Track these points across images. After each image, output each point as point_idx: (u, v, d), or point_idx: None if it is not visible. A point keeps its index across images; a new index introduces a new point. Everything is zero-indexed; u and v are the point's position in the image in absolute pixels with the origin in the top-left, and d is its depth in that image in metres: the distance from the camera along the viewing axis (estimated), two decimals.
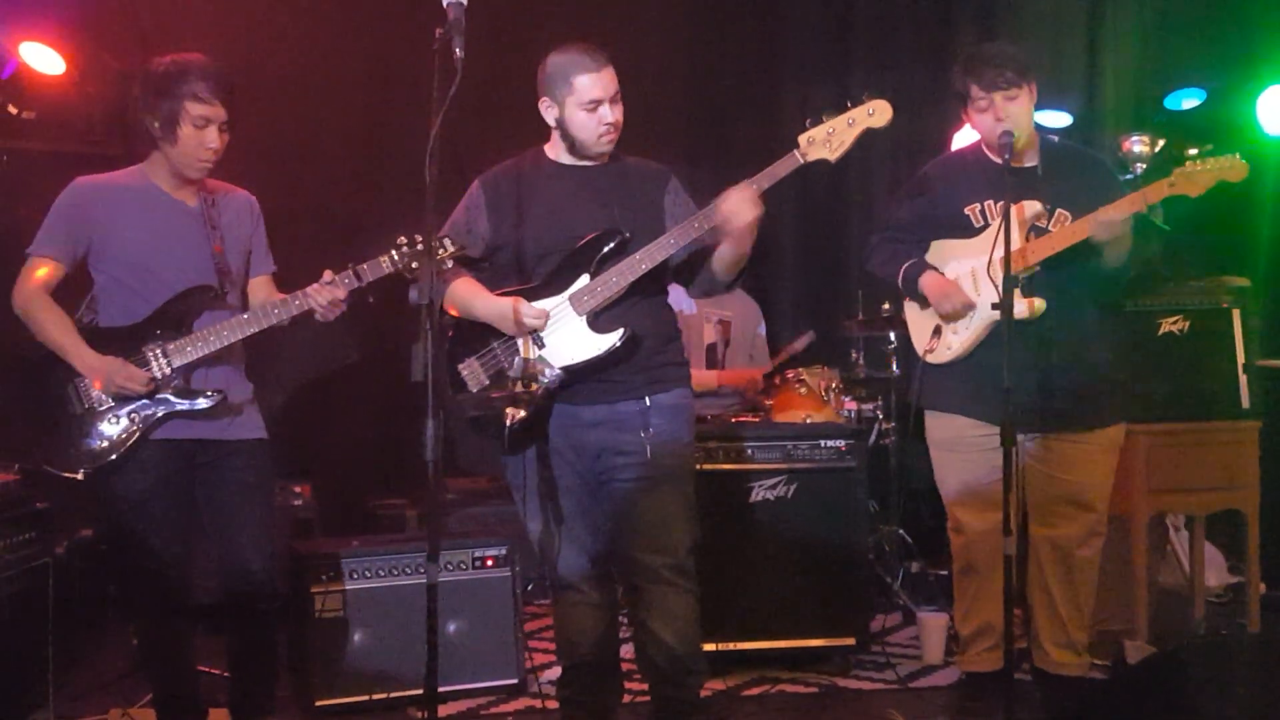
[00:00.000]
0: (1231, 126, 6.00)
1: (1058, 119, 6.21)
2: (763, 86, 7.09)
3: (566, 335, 3.70)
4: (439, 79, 3.12)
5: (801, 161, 3.65)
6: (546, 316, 3.68)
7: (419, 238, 3.60)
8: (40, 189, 4.12)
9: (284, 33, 5.93)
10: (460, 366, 3.80)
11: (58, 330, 3.70)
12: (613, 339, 3.68)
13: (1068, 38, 6.70)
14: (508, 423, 3.67)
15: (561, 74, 3.69)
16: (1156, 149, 5.81)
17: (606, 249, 3.69)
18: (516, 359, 3.70)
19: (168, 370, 3.69)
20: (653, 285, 3.78)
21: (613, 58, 3.79)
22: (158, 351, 3.69)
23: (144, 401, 3.69)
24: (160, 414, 3.70)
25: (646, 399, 3.72)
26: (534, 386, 3.68)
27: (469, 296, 3.77)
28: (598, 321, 3.70)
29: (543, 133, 3.83)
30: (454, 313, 3.81)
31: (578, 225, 3.73)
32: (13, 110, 5.35)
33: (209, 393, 3.72)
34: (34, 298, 3.72)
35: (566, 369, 3.69)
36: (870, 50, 7.05)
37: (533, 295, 3.72)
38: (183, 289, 3.73)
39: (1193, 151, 5.86)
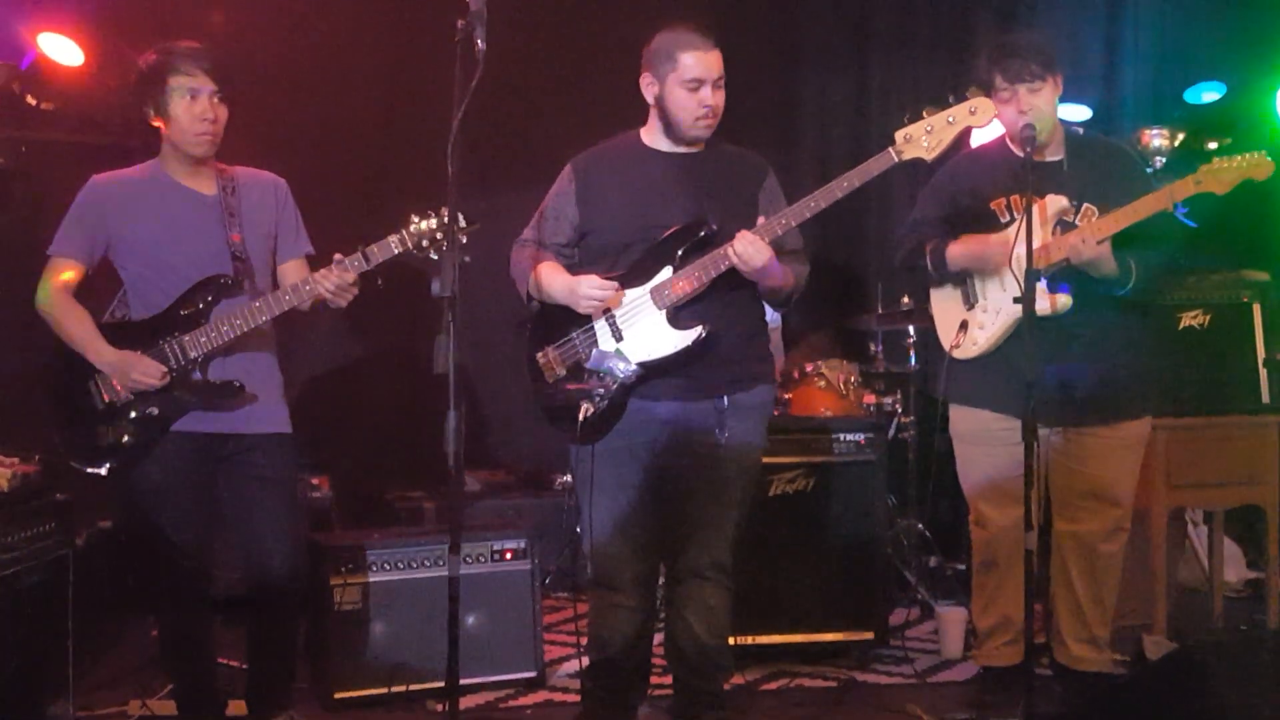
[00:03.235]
0: (1251, 120, 5.99)
1: (1077, 112, 6.18)
2: (780, 79, 7.06)
3: (646, 329, 3.68)
4: (461, 71, 3.10)
5: (896, 160, 3.62)
6: (613, 290, 3.64)
7: (430, 213, 3.58)
8: (59, 180, 4.13)
9: (304, 22, 5.93)
10: (538, 355, 3.79)
11: (77, 328, 3.74)
12: (691, 336, 3.65)
13: (1088, 30, 6.68)
14: (581, 416, 3.66)
15: (668, 50, 3.66)
16: (1176, 143, 5.81)
17: (691, 242, 3.66)
18: (594, 351, 3.69)
19: (184, 362, 3.70)
20: (741, 280, 3.71)
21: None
22: (174, 344, 3.70)
23: (163, 394, 3.69)
24: (179, 406, 3.71)
25: (725, 398, 3.70)
26: (609, 380, 3.67)
27: (544, 276, 3.76)
28: (678, 316, 3.67)
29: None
30: (539, 295, 3.79)
31: (666, 214, 3.70)
32: (31, 101, 5.34)
33: (221, 383, 3.73)
34: (55, 297, 3.76)
35: (644, 364, 3.67)
36: (889, 43, 7.02)
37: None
38: (198, 280, 3.74)
39: (1213, 145, 5.86)
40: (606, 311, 3.69)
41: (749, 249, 3.57)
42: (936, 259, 4.23)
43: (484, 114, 3.18)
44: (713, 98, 3.68)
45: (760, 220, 3.63)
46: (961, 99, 3.62)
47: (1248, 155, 3.86)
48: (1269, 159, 3.83)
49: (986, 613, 4.34)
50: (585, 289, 3.66)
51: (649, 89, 3.73)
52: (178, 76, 3.69)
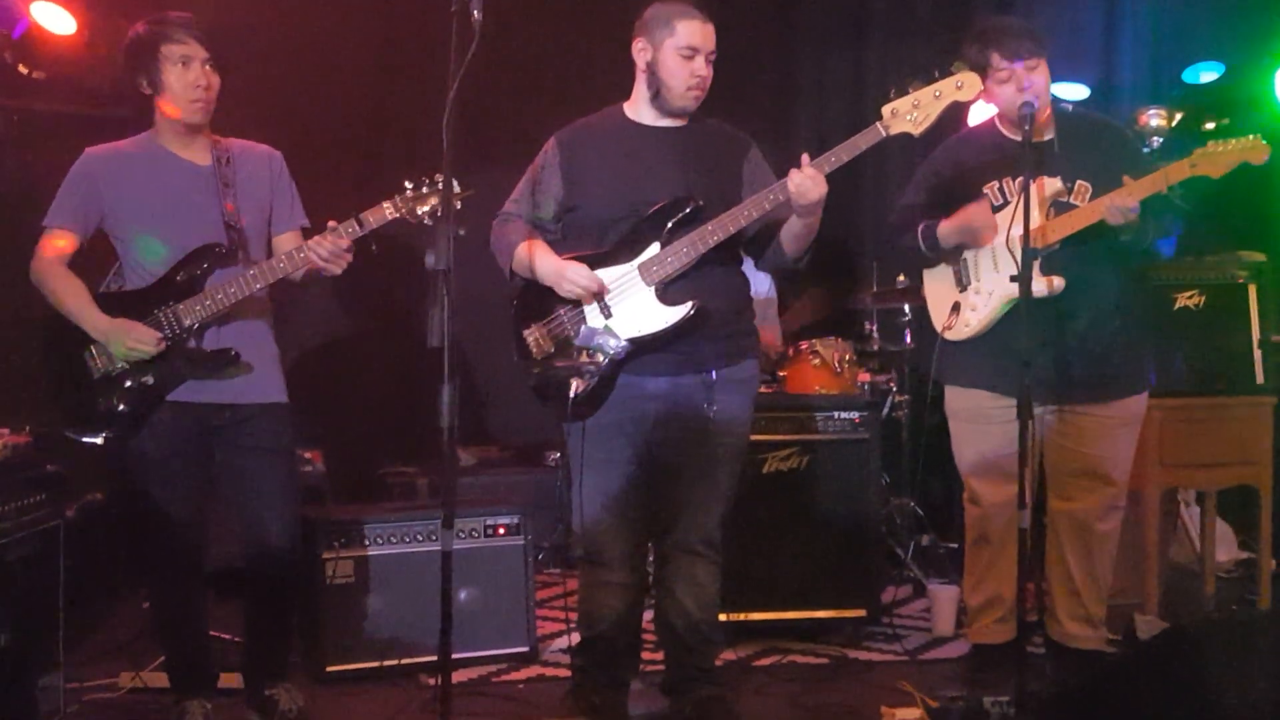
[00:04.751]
0: (1249, 101, 5.97)
1: (1075, 91, 6.17)
2: (778, 60, 7.05)
3: (635, 305, 3.66)
4: (457, 42, 3.08)
5: (884, 135, 3.60)
6: (600, 283, 3.64)
7: (424, 179, 3.57)
8: (51, 149, 4.12)
9: None
10: (525, 333, 3.77)
11: (71, 298, 3.74)
12: (682, 311, 3.64)
13: (1086, 9, 6.66)
14: (571, 393, 3.65)
15: (665, 16, 3.66)
16: (1174, 122, 5.79)
17: (678, 217, 3.64)
18: (583, 328, 3.67)
19: (179, 330, 3.69)
20: (725, 254, 3.72)
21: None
22: (168, 312, 3.69)
23: (158, 363, 3.68)
24: (175, 375, 3.70)
25: (714, 373, 3.70)
26: (599, 357, 3.65)
27: (530, 256, 3.74)
28: (667, 292, 3.66)
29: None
30: (524, 272, 3.77)
31: (651, 190, 3.68)
32: (23, 70, 5.31)
33: (217, 351, 3.72)
34: (49, 268, 3.77)
35: (634, 340, 3.66)
36: (887, 23, 7.00)
37: (602, 262, 3.68)
38: (193, 249, 3.72)
39: (1210, 126, 5.84)
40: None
41: (807, 182, 3.53)
42: (928, 238, 4.22)
43: (480, 87, 3.16)
44: (704, 69, 3.68)
45: (805, 158, 3.58)
46: (947, 74, 3.59)
47: (1244, 139, 3.83)
48: (1265, 143, 3.81)
49: (978, 590, 4.35)
50: (572, 276, 3.64)
51: (641, 54, 3.72)
52: (170, 45, 3.69)
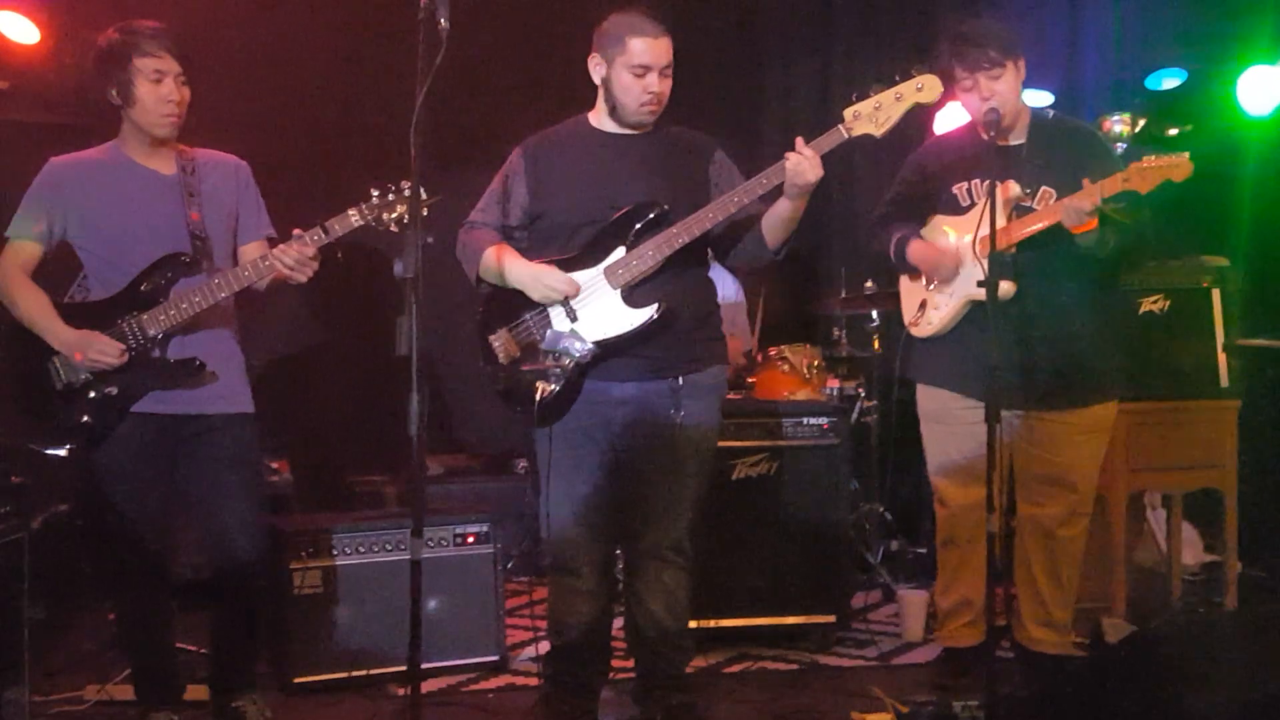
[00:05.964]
0: (1212, 106, 5.99)
1: (1038, 98, 6.19)
2: (743, 67, 7.06)
3: (600, 309, 3.67)
4: (423, 50, 3.07)
5: (846, 136, 3.62)
6: (576, 286, 3.64)
7: (390, 186, 3.56)
8: (14, 159, 4.08)
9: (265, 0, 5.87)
10: (491, 338, 3.77)
11: (33, 308, 3.71)
12: (647, 314, 3.65)
13: (1049, 16, 6.69)
14: (538, 396, 3.65)
15: (617, 33, 3.66)
16: (1137, 129, 5.81)
17: (644, 221, 3.65)
18: (549, 331, 3.68)
19: (143, 340, 3.66)
20: (692, 258, 3.74)
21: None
22: (132, 323, 3.67)
23: (122, 374, 3.66)
24: (139, 385, 3.67)
25: (680, 378, 3.70)
26: (565, 360, 3.65)
27: (500, 262, 3.73)
28: (633, 295, 3.67)
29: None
30: (491, 278, 3.77)
31: (617, 195, 3.69)
32: None
33: (181, 361, 3.69)
34: (10, 279, 3.74)
35: (599, 343, 3.66)
36: (852, 32, 7.02)
37: (568, 266, 3.69)
38: (157, 259, 3.70)
39: (1173, 132, 5.88)
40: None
41: (805, 162, 3.54)
42: (899, 252, 4.26)
43: (446, 94, 3.15)
44: (658, 85, 3.69)
45: (800, 140, 3.59)
46: (908, 77, 3.62)
47: (1168, 156, 3.86)
48: (1189, 162, 3.84)
49: (947, 593, 4.38)
50: (549, 280, 3.64)
51: (596, 70, 3.74)
52: (142, 58, 3.66)
